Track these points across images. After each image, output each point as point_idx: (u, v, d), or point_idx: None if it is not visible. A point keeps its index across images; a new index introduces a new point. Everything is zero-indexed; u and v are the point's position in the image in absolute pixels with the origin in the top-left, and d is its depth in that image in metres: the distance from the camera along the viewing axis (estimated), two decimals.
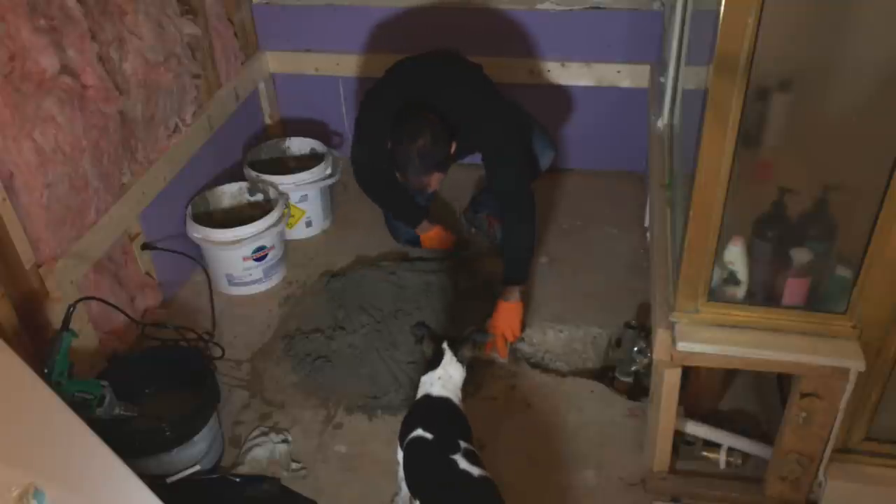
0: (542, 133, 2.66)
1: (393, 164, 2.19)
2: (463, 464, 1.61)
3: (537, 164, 2.64)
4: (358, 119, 2.42)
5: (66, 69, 1.97)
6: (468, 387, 2.20)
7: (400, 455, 1.74)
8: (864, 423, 1.77)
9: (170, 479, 1.89)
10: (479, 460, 1.64)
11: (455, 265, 2.67)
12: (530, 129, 2.62)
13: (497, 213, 2.72)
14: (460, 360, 1.81)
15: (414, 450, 1.70)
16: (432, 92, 2.25)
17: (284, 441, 2.09)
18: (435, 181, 2.19)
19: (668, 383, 1.77)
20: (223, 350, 2.30)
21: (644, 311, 2.40)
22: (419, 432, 1.69)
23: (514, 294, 2.35)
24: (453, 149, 2.20)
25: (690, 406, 1.98)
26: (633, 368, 2.23)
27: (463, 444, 1.65)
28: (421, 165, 2.13)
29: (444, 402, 1.76)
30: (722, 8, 1.32)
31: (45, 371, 1.74)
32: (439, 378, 1.78)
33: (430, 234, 2.64)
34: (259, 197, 2.72)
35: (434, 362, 1.80)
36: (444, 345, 1.81)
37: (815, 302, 1.62)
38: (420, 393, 1.80)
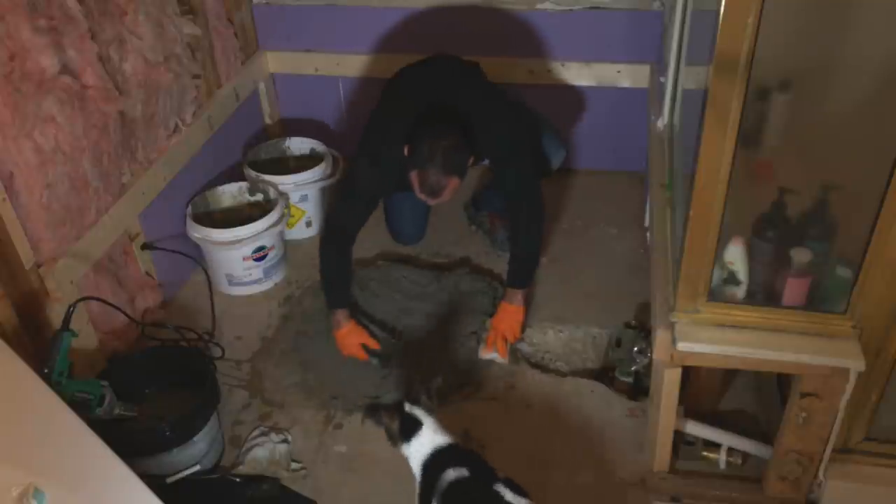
0: (553, 133, 2.65)
1: (412, 163, 2.11)
2: (509, 496, 1.54)
3: (548, 164, 2.62)
4: (368, 138, 2.33)
5: (66, 69, 1.97)
6: (468, 388, 2.23)
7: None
8: (864, 423, 1.77)
9: (170, 479, 1.90)
10: (521, 488, 1.57)
11: (455, 266, 2.68)
12: (540, 130, 2.60)
13: (500, 212, 2.71)
14: (429, 412, 1.70)
15: (455, 493, 1.58)
16: (443, 97, 2.23)
17: (284, 441, 2.09)
18: (451, 188, 2.12)
19: (668, 383, 1.77)
20: (223, 350, 2.30)
21: (644, 311, 2.40)
22: (453, 473, 1.59)
23: (517, 297, 2.34)
24: (471, 161, 2.17)
25: (690, 406, 1.98)
26: (633, 368, 2.23)
27: (498, 472, 1.60)
28: (444, 164, 2.07)
29: (454, 447, 1.67)
30: (722, 8, 1.32)
31: (45, 371, 1.73)
32: (434, 432, 1.67)
33: (343, 331, 2.29)
34: (259, 197, 2.72)
35: (408, 430, 1.68)
36: (407, 407, 1.69)
37: (815, 302, 1.62)
38: (418, 461, 1.66)
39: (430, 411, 1.70)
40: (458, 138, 2.09)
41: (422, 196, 2.16)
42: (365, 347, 2.28)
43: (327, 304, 2.34)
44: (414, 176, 2.13)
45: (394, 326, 2.45)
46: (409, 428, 1.68)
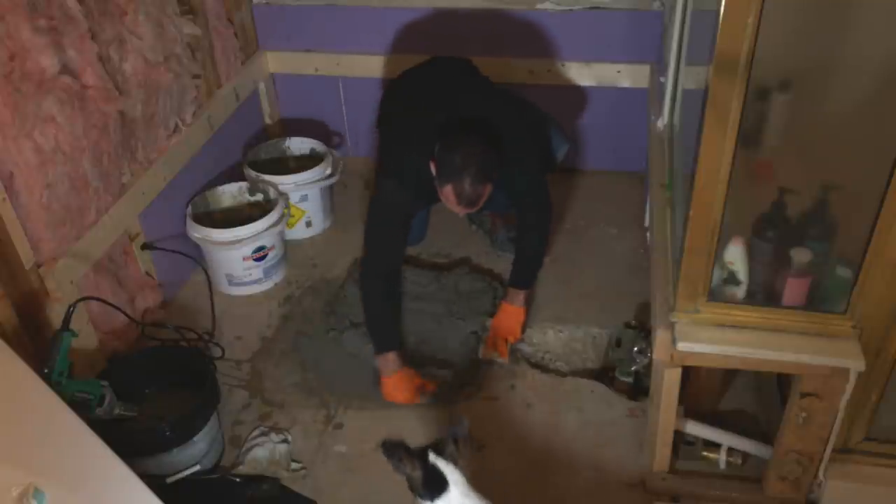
0: (557, 127, 2.64)
1: (443, 177, 2.01)
2: None
3: (554, 160, 2.62)
4: (389, 159, 2.24)
5: (66, 69, 1.97)
6: (468, 388, 2.22)
7: None
8: (864, 423, 1.77)
9: (170, 479, 1.90)
10: None
11: (455, 266, 2.68)
12: (546, 125, 2.59)
13: (501, 212, 2.71)
14: (453, 462, 1.53)
15: None
16: (451, 103, 2.21)
17: (284, 441, 2.09)
18: (486, 195, 2.03)
19: (668, 383, 1.77)
20: (223, 350, 2.30)
21: (644, 311, 2.40)
22: None
23: (519, 298, 2.33)
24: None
25: (690, 406, 1.98)
26: (633, 368, 2.23)
27: None
28: (478, 172, 1.97)
29: None
30: (722, 8, 1.32)
31: (45, 371, 1.74)
32: (463, 495, 1.50)
33: (394, 378, 2.12)
34: (259, 197, 2.72)
35: (433, 484, 1.50)
36: (432, 457, 1.52)
37: (815, 302, 1.62)
38: None
39: (456, 462, 1.53)
40: (483, 143, 2.03)
41: (458, 208, 2.04)
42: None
43: (375, 348, 2.13)
44: (448, 190, 2.01)
45: (444, 358, 2.29)
46: (434, 487, 1.50)
